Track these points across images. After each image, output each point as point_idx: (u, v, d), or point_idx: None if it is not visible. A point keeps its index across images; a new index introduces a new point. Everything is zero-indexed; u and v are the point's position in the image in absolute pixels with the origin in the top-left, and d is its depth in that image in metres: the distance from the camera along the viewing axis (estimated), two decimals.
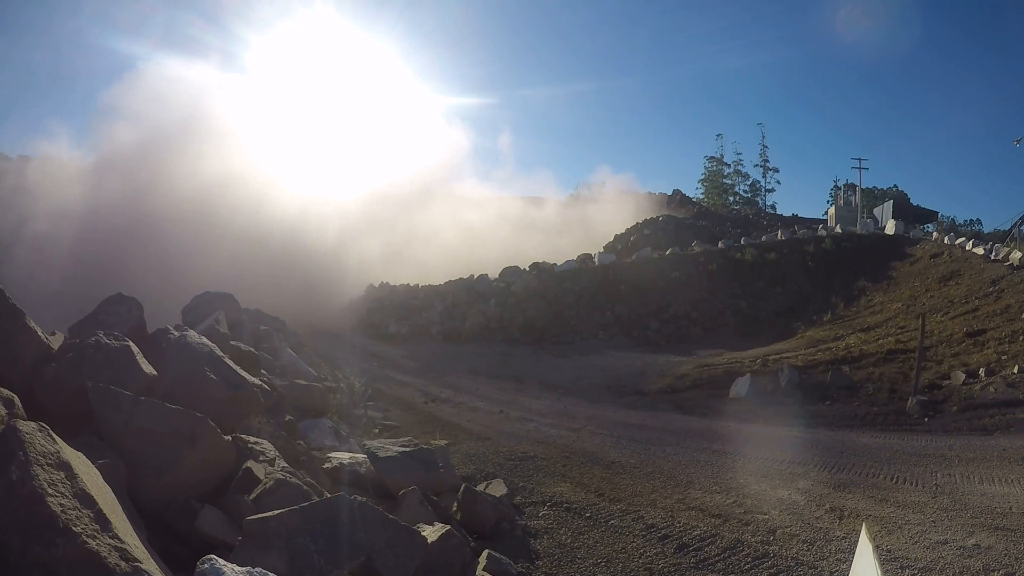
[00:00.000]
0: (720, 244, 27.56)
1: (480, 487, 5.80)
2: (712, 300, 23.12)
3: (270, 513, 3.16)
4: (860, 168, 39.82)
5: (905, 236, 26.53)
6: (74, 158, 36.38)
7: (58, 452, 2.59)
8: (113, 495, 2.82)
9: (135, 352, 4.44)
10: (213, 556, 2.40)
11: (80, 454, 2.82)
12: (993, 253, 19.79)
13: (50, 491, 2.38)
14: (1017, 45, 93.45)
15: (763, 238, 28.67)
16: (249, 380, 5.20)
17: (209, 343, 5.26)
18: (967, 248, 21.51)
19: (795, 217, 47.83)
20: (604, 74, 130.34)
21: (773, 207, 59.11)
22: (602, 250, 30.46)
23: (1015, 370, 10.73)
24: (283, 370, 8.08)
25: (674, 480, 6.50)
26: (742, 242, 27.81)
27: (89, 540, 2.32)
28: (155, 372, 4.51)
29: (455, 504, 5.11)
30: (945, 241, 23.71)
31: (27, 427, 2.59)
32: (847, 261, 24.64)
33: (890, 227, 28.03)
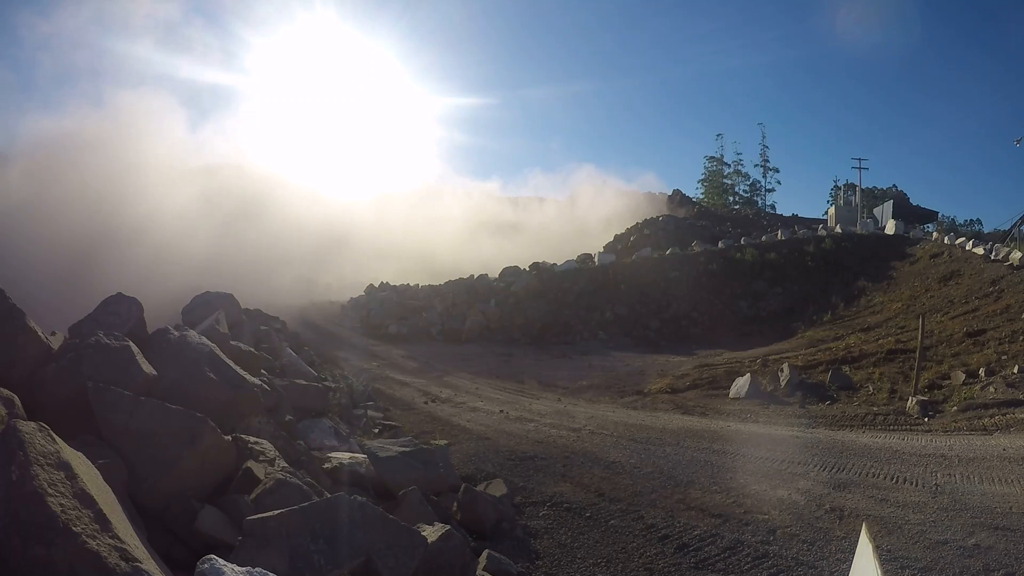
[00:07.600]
0: (720, 244, 27.55)
1: (480, 487, 5.80)
2: (712, 300, 23.12)
3: (270, 513, 3.16)
4: (860, 168, 39.87)
5: (905, 236, 26.53)
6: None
7: (58, 452, 2.59)
8: (113, 495, 2.82)
9: (135, 352, 4.44)
10: (213, 556, 2.40)
11: (80, 454, 2.82)
12: (993, 253, 19.79)
13: (50, 491, 2.38)
14: (1017, 45, 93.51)
15: (763, 238, 28.67)
16: (249, 380, 5.20)
17: (209, 343, 5.25)
18: (967, 248, 21.51)
19: (795, 217, 47.87)
20: (604, 74, 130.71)
21: (773, 207, 59.23)
22: (602, 250, 30.47)
23: (1015, 370, 10.72)
24: (283, 370, 8.08)
25: (674, 480, 6.49)
26: (742, 242, 27.81)
27: (89, 540, 2.32)
28: (155, 372, 4.50)
29: (455, 504, 5.10)
30: (945, 241, 23.71)
31: (27, 427, 2.59)
32: (847, 261, 24.64)
33: (890, 227, 28.03)
